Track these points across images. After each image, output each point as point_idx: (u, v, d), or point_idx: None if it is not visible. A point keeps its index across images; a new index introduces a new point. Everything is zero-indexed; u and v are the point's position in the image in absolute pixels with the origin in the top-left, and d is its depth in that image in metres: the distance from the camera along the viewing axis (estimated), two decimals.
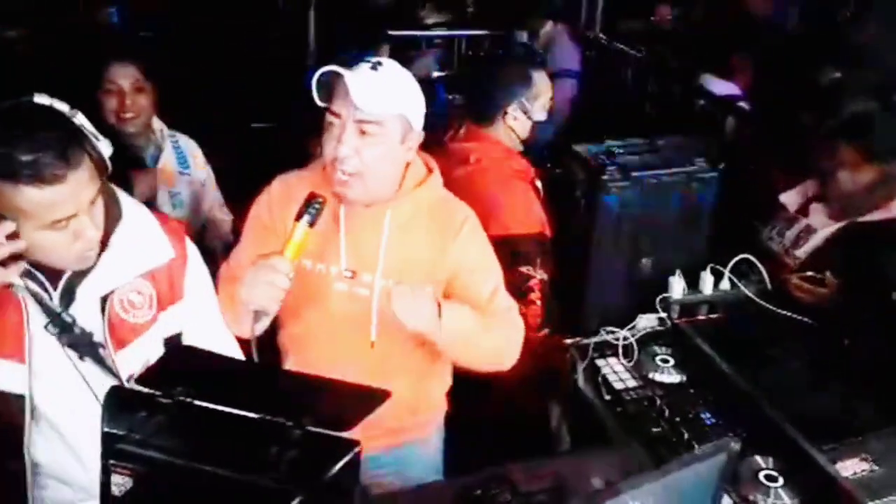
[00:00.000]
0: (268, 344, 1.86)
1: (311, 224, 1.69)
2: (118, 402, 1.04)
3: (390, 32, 4.73)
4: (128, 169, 2.41)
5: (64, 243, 1.48)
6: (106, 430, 1.01)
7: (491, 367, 1.97)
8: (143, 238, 1.65)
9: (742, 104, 3.78)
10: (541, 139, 2.61)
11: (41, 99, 1.49)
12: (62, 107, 1.50)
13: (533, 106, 2.53)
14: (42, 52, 3.79)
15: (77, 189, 1.44)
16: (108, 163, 1.53)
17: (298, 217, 1.69)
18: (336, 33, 3.21)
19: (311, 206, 1.69)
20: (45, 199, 1.41)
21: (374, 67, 1.77)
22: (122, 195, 1.66)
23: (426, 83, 4.62)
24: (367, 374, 1.74)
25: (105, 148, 1.52)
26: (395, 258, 1.86)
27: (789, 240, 2.54)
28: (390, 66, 1.81)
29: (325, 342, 1.91)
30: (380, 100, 1.74)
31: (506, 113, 2.52)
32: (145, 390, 1.04)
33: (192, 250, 1.75)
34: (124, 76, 2.50)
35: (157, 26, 4.47)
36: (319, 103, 1.77)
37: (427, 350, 1.92)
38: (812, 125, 2.60)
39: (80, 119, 1.51)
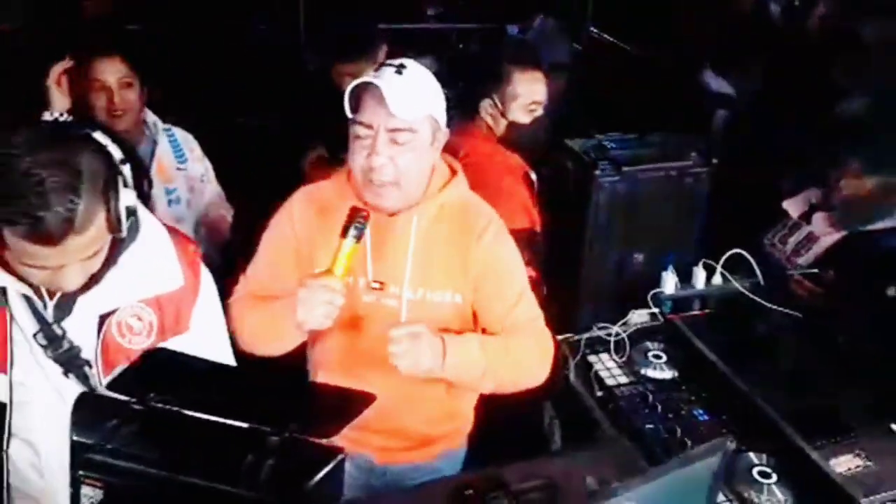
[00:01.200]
0: None
1: (358, 239, 1.68)
2: (88, 410, 0.99)
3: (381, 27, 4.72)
4: None
5: (46, 279, 1.39)
6: (75, 438, 0.96)
7: (520, 388, 1.92)
8: (155, 262, 1.54)
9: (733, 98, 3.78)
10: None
11: (97, 135, 1.37)
12: (114, 153, 1.39)
13: (509, 106, 2.46)
14: (28, 47, 3.72)
15: (73, 251, 1.32)
16: (124, 219, 1.39)
17: (344, 233, 1.67)
18: (329, 33, 3.13)
19: (356, 221, 1.67)
20: (32, 250, 1.30)
21: (398, 71, 1.72)
22: (143, 214, 1.54)
23: None
24: (401, 383, 1.77)
25: (128, 201, 1.40)
26: (422, 267, 1.83)
27: (791, 247, 2.53)
28: (413, 67, 1.77)
29: (356, 354, 1.87)
30: (412, 105, 1.71)
31: (479, 109, 2.49)
32: (117, 396, 0.99)
33: (206, 281, 1.65)
34: (111, 72, 2.43)
35: (146, 18, 4.38)
36: (349, 115, 1.74)
37: (452, 309, 1.90)
38: (817, 132, 2.60)
39: (125, 171, 1.40)
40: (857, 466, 1.89)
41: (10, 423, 1.50)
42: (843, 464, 1.89)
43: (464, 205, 1.89)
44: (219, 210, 2.75)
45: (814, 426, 1.98)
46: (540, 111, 2.50)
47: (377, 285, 1.83)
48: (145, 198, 2.42)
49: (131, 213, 1.40)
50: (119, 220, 1.37)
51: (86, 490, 0.95)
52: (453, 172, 1.91)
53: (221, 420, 0.95)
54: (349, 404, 1.03)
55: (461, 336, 1.82)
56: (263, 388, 1.11)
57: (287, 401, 1.05)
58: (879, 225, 2.37)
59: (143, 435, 0.95)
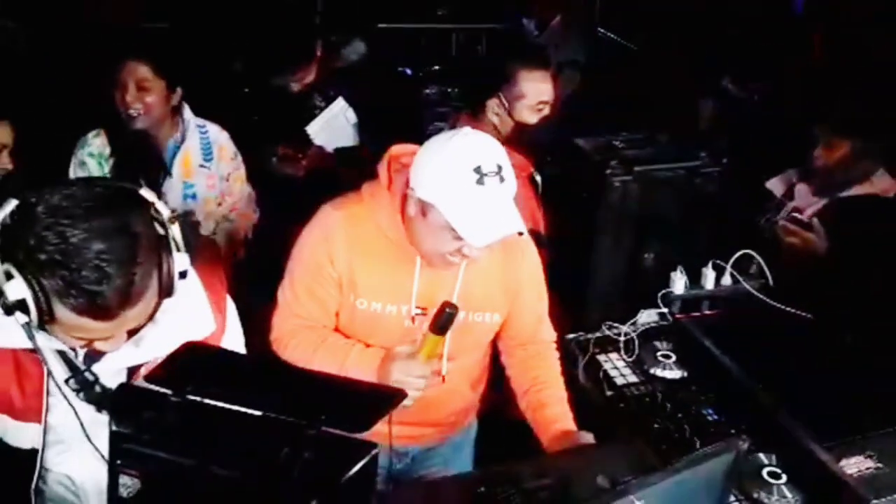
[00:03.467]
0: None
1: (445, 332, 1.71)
2: (127, 401, 1.01)
3: (380, 25, 4.72)
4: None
5: (79, 344, 1.34)
6: (114, 429, 0.97)
7: None
8: (189, 313, 1.46)
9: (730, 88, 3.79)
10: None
11: (144, 193, 1.29)
12: (162, 210, 1.30)
13: (515, 105, 2.45)
14: (52, 48, 3.75)
15: (126, 322, 1.25)
16: (176, 283, 1.31)
17: (434, 329, 1.69)
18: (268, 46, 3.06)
19: (447, 319, 1.68)
20: (83, 324, 1.22)
21: (501, 179, 1.66)
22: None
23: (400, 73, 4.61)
24: (436, 396, 1.86)
25: (181, 265, 1.31)
26: (467, 291, 1.84)
27: (779, 224, 2.59)
28: (504, 159, 1.69)
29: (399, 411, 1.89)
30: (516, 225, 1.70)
31: (485, 107, 2.48)
32: (155, 389, 1.00)
33: (232, 319, 1.59)
34: (129, 74, 2.50)
35: (173, 17, 4.33)
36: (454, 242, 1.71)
37: (485, 357, 2.00)
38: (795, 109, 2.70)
39: (174, 231, 1.30)
40: (868, 468, 1.88)
41: (42, 463, 1.48)
42: (854, 465, 1.89)
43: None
44: (245, 209, 2.79)
45: (824, 427, 1.98)
46: (547, 111, 2.49)
47: (419, 311, 1.83)
48: (158, 189, 2.49)
49: (182, 276, 1.31)
50: (172, 286, 1.30)
51: (124, 479, 0.96)
52: None
53: (257, 413, 0.95)
54: (382, 399, 1.04)
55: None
56: (298, 381, 1.12)
57: (321, 395, 1.05)
58: (857, 190, 2.50)
59: (180, 426, 0.96)
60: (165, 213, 1.30)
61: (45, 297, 1.19)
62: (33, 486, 1.50)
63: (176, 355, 1.07)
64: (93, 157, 2.54)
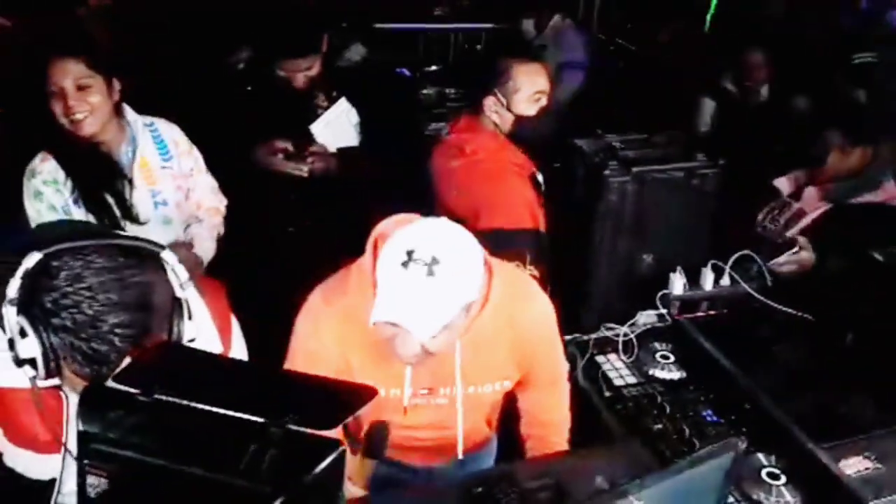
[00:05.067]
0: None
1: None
2: (94, 401, 0.99)
3: (378, 26, 4.70)
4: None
5: None
6: (81, 428, 0.97)
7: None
8: (198, 341, 1.42)
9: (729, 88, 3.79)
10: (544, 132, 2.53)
11: (166, 256, 1.28)
12: (180, 274, 1.29)
13: (512, 99, 2.44)
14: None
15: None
16: (184, 332, 1.31)
17: (368, 455, 1.65)
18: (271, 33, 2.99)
19: (380, 440, 1.63)
20: (83, 383, 1.25)
21: (430, 272, 1.47)
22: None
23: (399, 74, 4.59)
24: (453, 445, 1.84)
25: (189, 334, 1.31)
26: (472, 369, 1.78)
27: (781, 224, 2.58)
28: (447, 257, 1.49)
29: (409, 439, 1.87)
30: (443, 319, 1.51)
31: (483, 106, 2.49)
32: (122, 388, 0.98)
33: (236, 336, 1.58)
34: (64, 74, 2.18)
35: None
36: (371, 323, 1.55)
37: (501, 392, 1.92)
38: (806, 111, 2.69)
39: (189, 294, 1.30)
40: (867, 468, 1.89)
41: (59, 490, 1.48)
42: (853, 465, 1.89)
43: (502, 301, 1.69)
44: (211, 202, 2.59)
45: (823, 427, 1.98)
46: (545, 101, 2.48)
47: (425, 391, 1.79)
48: (126, 204, 2.34)
49: (190, 342, 1.32)
50: (181, 336, 1.30)
51: (91, 479, 0.95)
52: (490, 274, 1.67)
53: (224, 411, 0.95)
54: (350, 397, 1.02)
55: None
56: (265, 380, 1.12)
57: (289, 393, 1.05)
58: (864, 199, 2.48)
59: (148, 425, 0.96)
60: (183, 277, 1.30)
61: (54, 357, 1.22)
62: None
63: (144, 355, 1.08)
64: (47, 184, 2.26)
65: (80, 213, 2.27)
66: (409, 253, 1.49)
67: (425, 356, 1.60)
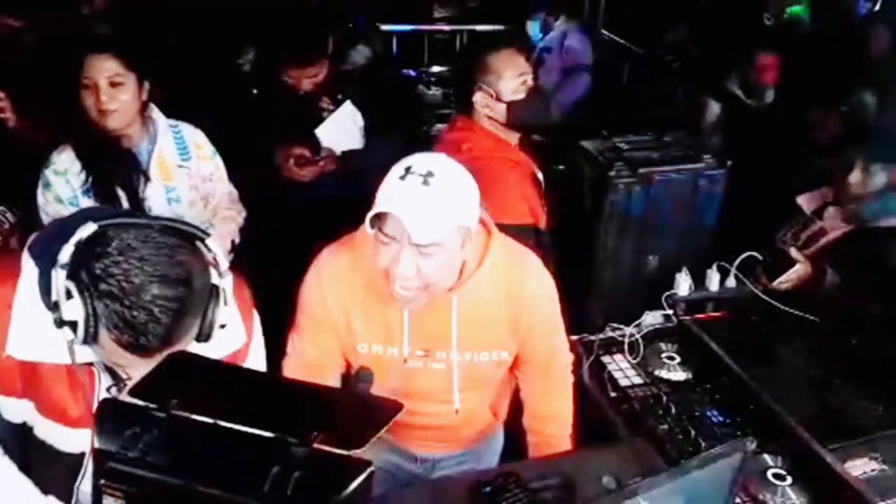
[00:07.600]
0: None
1: None
2: (111, 417, 0.94)
3: (382, 27, 4.71)
4: None
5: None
6: (97, 446, 0.92)
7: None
8: (223, 331, 1.43)
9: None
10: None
11: (210, 243, 1.34)
12: (221, 263, 1.35)
13: (498, 87, 2.40)
14: (24, 46, 3.54)
15: (157, 360, 1.24)
16: (215, 333, 1.34)
17: None
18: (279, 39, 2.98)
19: (359, 386, 1.59)
20: (122, 355, 1.28)
21: (425, 182, 1.55)
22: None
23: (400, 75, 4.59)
24: (454, 426, 1.86)
25: (223, 319, 1.35)
26: (468, 333, 1.80)
27: (801, 242, 2.54)
28: (442, 174, 1.58)
29: (409, 413, 1.87)
30: (438, 227, 1.57)
31: (474, 103, 2.49)
32: (139, 403, 0.94)
33: (256, 324, 1.61)
34: (99, 70, 2.29)
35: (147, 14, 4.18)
36: (369, 230, 1.60)
37: (504, 375, 1.94)
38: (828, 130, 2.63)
39: (226, 283, 1.35)
40: (873, 470, 1.89)
41: (87, 466, 1.52)
42: (859, 467, 1.89)
43: (502, 265, 1.77)
44: (229, 210, 2.63)
45: (829, 429, 1.98)
46: (530, 81, 2.47)
47: (422, 353, 1.80)
48: (138, 197, 2.39)
49: (222, 327, 1.36)
50: (210, 336, 1.34)
51: (107, 501, 0.91)
52: (488, 234, 1.77)
53: (246, 429, 0.90)
54: (377, 413, 0.99)
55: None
56: (289, 396, 1.07)
57: (313, 409, 0.99)
58: (888, 222, 2.40)
59: (166, 443, 0.91)
60: (224, 265, 1.37)
61: (94, 322, 1.26)
62: (78, 483, 1.54)
63: (161, 367, 1.04)
64: (58, 174, 2.34)
65: (87, 205, 2.29)
66: (407, 168, 1.58)
67: (422, 291, 1.64)
